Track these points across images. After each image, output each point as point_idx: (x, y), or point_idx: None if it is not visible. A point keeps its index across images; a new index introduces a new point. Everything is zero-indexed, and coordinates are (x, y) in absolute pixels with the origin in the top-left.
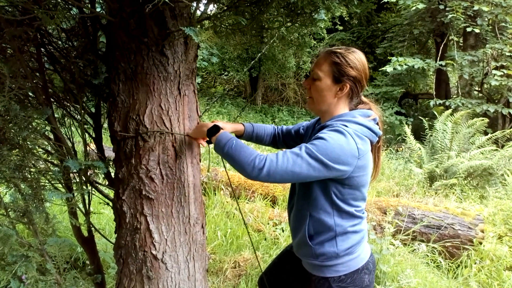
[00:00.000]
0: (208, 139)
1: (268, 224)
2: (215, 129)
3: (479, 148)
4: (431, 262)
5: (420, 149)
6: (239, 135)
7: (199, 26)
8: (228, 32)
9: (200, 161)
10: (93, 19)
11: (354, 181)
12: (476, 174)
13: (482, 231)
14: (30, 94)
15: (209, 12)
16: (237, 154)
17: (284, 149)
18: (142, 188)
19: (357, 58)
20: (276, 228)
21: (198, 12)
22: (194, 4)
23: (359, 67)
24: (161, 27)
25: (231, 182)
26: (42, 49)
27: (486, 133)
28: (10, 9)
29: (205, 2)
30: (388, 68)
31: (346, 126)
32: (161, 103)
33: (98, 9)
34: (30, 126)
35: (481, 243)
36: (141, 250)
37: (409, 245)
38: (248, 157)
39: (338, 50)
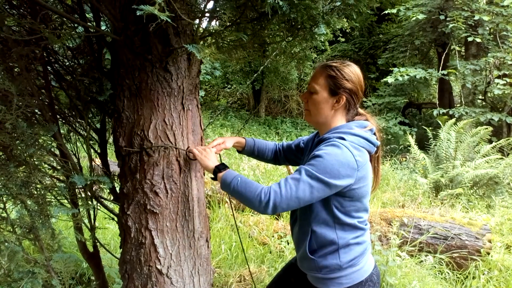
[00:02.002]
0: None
1: (273, 237)
2: (221, 167)
3: (484, 157)
4: (438, 273)
5: (424, 159)
6: (241, 149)
7: (201, 42)
8: (230, 48)
9: (204, 174)
10: (98, 37)
11: (355, 193)
12: (482, 183)
13: (490, 241)
14: (37, 111)
15: (211, 29)
16: (243, 191)
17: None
18: (147, 203)
19: (352, 71)
20: (281, 241)
21: (201, 29)
22: (197, 21)
23: (354, 80)
24: (164, 45)
25: (230, 197)
26: (48, 67)
27: (490, 142)
28: (17, 29)
29: (207, 19)
30: (389, 79)
31: (342, 139)
32: (165, 118)
33: (103, 28)
34: (37, 143)
35: (489, 254)
36: (146, 265)
37: (415, 256)
38: (254, 193)
39: (333, 64)
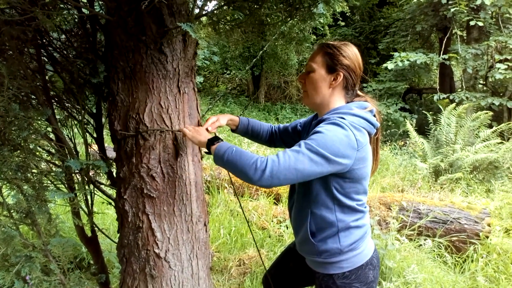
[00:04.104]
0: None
1: (272, 221)
2: (214, 140)
3: (484, 141)
4: (437, 257)
5: (423, 144)
6: (234, 127)
7: (197, 23)
8: (227, 29)
9: (201, 158)
10: (92, 18)
11: (354, 173)
12: (481, 167)
13: (489, 225)
14: (31, 95)
15: (207, 9)
16: (238, 159)
17: (284, 149)
18: (144, 187)
19: (350, 49)
20: (281, 226)
21: (197, 10)
22: (192, 0)
23: (352, 57)
24: (159, 25)
25: (232, 179)
26: (42, 50)
27: (491, 126)
28: (8, 11)
29: None
30: (389, 65)
31: (343, 118)
32: (161, 101)
33: (97, 9)
34: (31, 127)
35: (487, 237)
36: (144, 249)
37: (414, 240)
38: (249, 160)
39: (331, 42)
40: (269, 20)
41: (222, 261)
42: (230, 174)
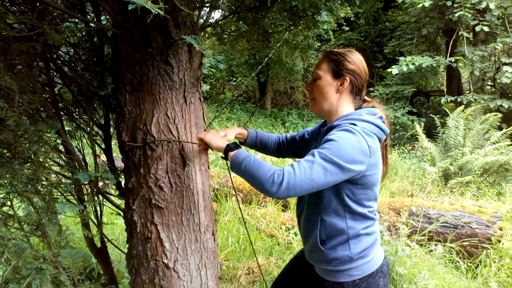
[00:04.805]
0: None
1: (281, 228)
2: (233, 146)
3: (494, 144)
4: (449, 262)
5: (430, 148)
6: (243, 140)
7: (202, 34)
8: (231, 38)
9: (208, 167)
10: (99, 32)
11: (366, 180)
12: (492, 170)
13: (501, 229)
14: (41, 108)
15: (212, 20)
16: (255, 171)
17: (296, 159)
18: (152, 197)
19: (354, 55)
20: (289, 233)
21: (202, 21)
22: (197, 12)
23: (357, 62)
24: (165, 37)
25: (235, 188)
26: (50, 63)
27: (500, 128)
28: (18, 26)
29: (207, 10)
30: (394, 70)
31: (354, 124)
32: (168, 112)
33: (103, 22)
34: (41, 140)
35: (499, 241)
36: (153, 259)
37: (425, 245)
38: (267, 172)
39: (335, 50)
40: (273, 28)
41: (231, 270)
42: (235, 183)
